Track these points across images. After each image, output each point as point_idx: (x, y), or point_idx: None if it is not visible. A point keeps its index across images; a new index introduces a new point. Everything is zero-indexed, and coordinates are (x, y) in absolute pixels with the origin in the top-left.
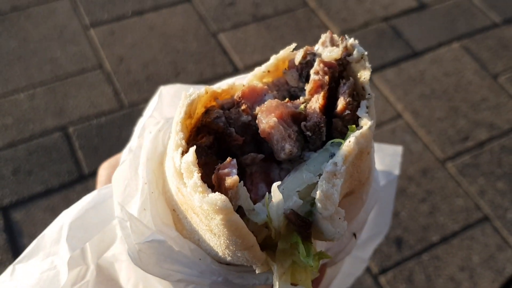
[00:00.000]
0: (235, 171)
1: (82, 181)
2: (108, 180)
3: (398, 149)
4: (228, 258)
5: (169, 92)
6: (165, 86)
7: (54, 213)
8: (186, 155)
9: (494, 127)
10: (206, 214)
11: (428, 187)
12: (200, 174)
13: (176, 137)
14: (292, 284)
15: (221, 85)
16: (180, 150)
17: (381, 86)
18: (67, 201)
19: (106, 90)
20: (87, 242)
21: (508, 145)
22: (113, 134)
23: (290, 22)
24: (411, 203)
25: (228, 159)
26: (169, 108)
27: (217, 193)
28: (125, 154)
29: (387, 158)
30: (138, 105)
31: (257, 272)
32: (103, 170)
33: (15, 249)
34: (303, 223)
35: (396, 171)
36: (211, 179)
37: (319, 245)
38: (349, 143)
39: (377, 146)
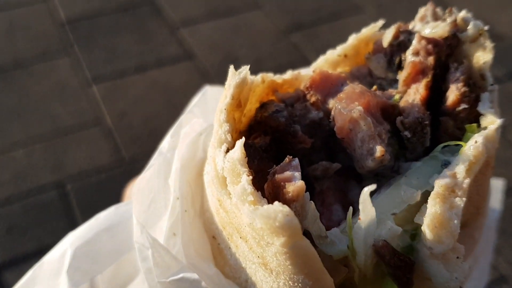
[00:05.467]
0: (298, 175)
1: None
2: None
3: (499, 183)
4: None
5: (216, 95)
6: (212, 87)
7: None
8: (231, 152)
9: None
10: (260, 237)
11: None
12: (251, 178)
13: (219, 130)
14: None
15: (284, 75)
16: (224, 147)
17: None
18: None
19: (106, 146)
20: (95, 276)
21: None
22: (113, 191)
23: None
24: None
25: (287, 158)
26: (214, 114)
27: (276, 202)
28: (153, 159)
29: None
30: (139, 161)
31: None
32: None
33: None
34: (402, 263)
35: (497, 209)
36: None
37: None
38: (475, 144)
39: None
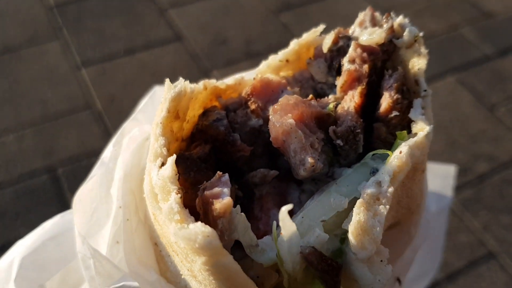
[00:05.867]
0: (227, 191)
1: None
2: None
3: (451, 170)
4: None
5: None
6: (161, 87)
7: None
8: (162, 169)
9: (494, 160)
10: (185, 254)
11: None
12: (180, 195)
13: (155, 143)
14: None
15: (227, 81)
16: (159, 161)
17: None
18: None
19: (96, 129)
20: (43, 283)
21: (509, 177)
22: None
23: None
24: None
25: (218, 174)
26: None
27: (199, 223)
28: (95, 169)
29: (437, 180)
30: None
31: None
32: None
33: None
34: (329, 267)
35: (448, 195)
36: None
37: None
38: (400, 154)
39: None
